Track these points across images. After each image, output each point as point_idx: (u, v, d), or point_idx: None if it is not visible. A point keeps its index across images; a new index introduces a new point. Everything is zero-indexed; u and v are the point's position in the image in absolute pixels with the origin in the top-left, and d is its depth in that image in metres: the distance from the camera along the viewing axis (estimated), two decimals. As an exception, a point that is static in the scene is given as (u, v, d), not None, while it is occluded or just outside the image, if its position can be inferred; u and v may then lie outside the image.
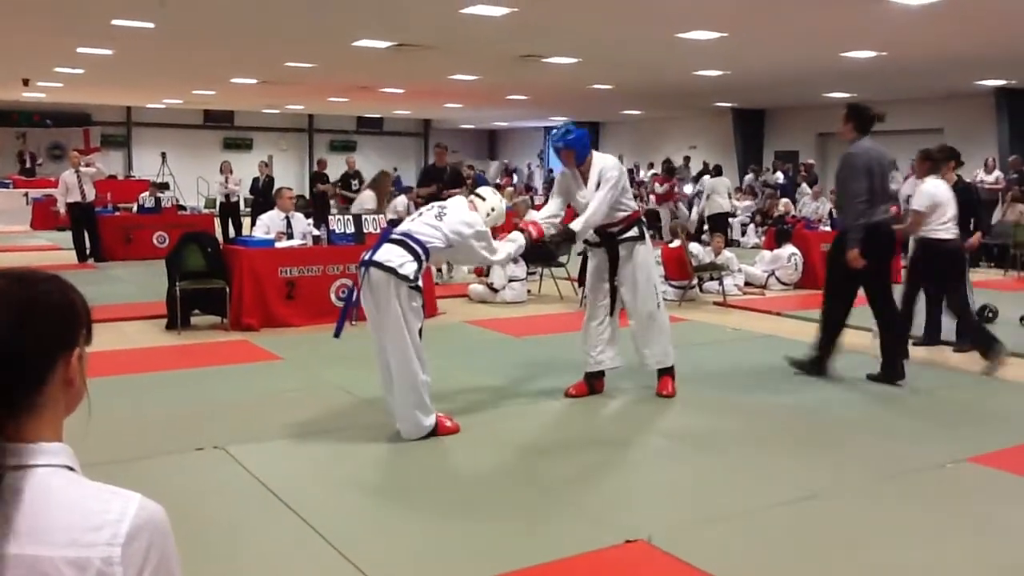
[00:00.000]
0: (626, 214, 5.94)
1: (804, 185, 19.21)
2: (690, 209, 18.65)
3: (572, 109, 24.71)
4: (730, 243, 15.75)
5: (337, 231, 9.01)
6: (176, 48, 14.48)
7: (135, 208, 15.49)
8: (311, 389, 6.29)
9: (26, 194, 21.87)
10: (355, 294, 5.30)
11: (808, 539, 3.88)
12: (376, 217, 9.51)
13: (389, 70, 16.49)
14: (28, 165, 25.59)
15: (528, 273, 10.80)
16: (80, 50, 14.74)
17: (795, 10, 10.58)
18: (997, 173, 16.66)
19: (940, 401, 6.32)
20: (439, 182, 12.07)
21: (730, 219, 17.44)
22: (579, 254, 8.55)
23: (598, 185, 5.78)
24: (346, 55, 14.63)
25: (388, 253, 4.94)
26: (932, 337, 7.83)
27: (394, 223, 6.26)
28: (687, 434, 5.44)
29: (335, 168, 19.80)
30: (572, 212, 6.07)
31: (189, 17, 11.56)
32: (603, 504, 4.22)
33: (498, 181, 26.81)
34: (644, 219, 6.34)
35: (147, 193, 16.12)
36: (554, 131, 6.00)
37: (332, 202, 17.23)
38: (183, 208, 17.02)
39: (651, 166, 24.09)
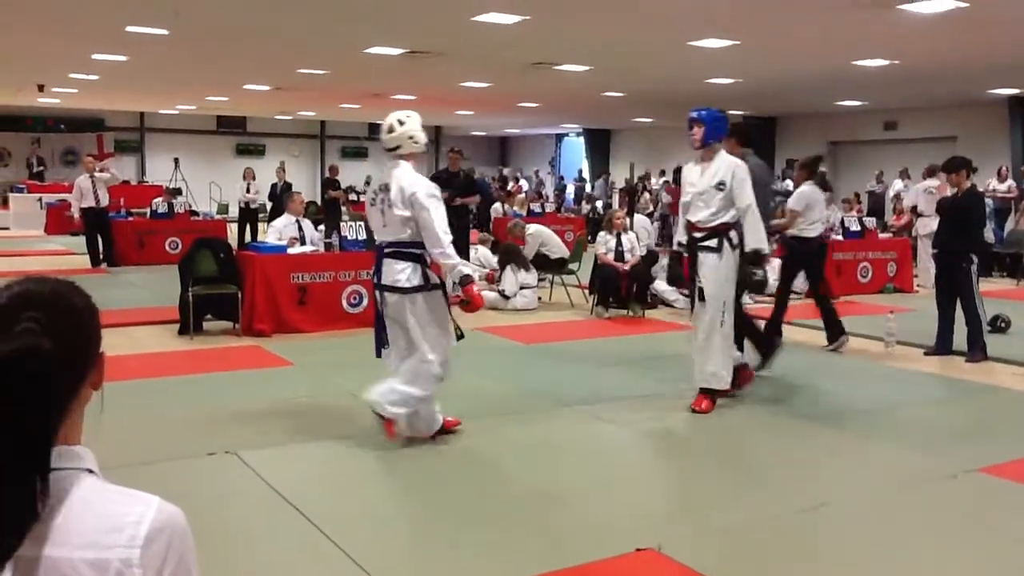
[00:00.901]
0: (720, 222, 5.82)
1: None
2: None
3: (583, 117, 24.71)
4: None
5: (349, 238, 9.06)
6: (190, 54, 14.57)
7: (148, 213, 15.55)
8: (322, 395, 6.31)
9: (40, 199, 22.00)
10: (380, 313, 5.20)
11: (819, 549, 3.88)
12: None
13: (401, 77, 16.53)
14: (36, 170, 25.71)
15: (539, 280, 10.80)
16: (95, 56, 14.86)
17: (807, 18, 10.57)
18: (1010, 182, 16.58)
19: (951, 411, 6.31)
20: (450, 188, 11.98)
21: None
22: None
23: (717, 184, 5.72)
24: (358, 62, 14.69)
25: (390, 272, 4.96)
26: (944, 347, 7.83)
27: None
28: (698, 442, 5.45)
29: (347, 174, 19.86)
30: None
31: (203, 24, 11.64)
32: (613, 512, 4.22)
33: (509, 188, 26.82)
34: (734, 234, 5.86)
35: (160, 198, 16.22)
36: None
37: (344, 208, 17.29)
38: (196, 213, 17.07)
39: (662, 174, 24.05)
